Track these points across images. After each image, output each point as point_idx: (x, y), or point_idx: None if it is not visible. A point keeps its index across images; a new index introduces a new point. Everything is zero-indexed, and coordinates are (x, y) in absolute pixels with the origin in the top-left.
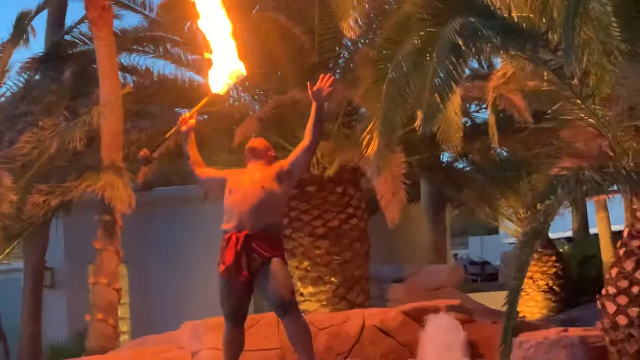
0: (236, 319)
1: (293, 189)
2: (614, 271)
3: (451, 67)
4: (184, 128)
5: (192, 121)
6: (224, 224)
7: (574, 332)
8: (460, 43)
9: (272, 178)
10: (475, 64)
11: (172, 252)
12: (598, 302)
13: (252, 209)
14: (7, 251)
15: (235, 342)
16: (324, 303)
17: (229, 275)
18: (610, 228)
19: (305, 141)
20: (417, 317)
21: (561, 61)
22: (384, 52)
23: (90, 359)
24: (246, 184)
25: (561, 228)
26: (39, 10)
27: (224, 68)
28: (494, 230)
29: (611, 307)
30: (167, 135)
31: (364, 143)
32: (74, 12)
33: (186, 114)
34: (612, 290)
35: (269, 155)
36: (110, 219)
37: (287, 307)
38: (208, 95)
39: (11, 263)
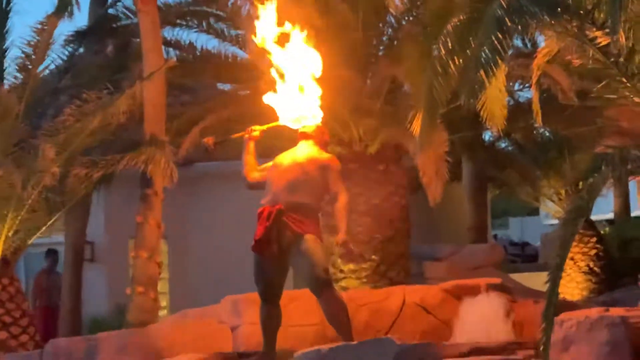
0: (270, 296)
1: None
2: None
3: (497, 43)
4: (246, 137)
5: (257, 134)
6: (262, 199)
7: (616, 312)
8: (506, 19)
9: (315, 162)
10: (519, 42)
11: (212, 227)
12: None
13: (287, 185)
14: (48, 224)
15: (271, 319)
16: (364, 280)
17: (260, 250)
18: None
19: (338, 203)
20: (458, 295)
21: (607, 39)
22: (428, 28)
23: (130, 332)
24: (287, 161)
25: (603, 210)
26: None
27: (306, 107)
28: (535, 212)
29: None
30: (233, 135)
31: (408, 120)
32: None
33: (256, 127)
34: None
35: (321, 137)
36: (152, 193)
37: (322, 286)
38: (279, 122)
39: (52, 236)
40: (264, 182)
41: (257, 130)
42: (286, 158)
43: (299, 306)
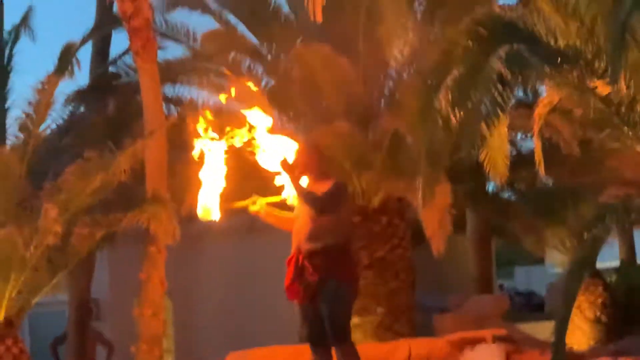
0: (314, 340)
1: (350, 213)
2: None
3: (497, 95)
4: (252, 210)
5: (256, 208)
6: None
7: None
8: (507, 71)
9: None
10: (520, 93)
11: (216, 283)
12: None
13: (305, 232)
14: (52, 283)
15: None
16: (370, 334)
17: (290, 296)
18: None
19: None
20: (464, 347)
21: (608, 88)
22: (429, 81)
23: None
24: (301, 207)
25: (608, 257)
26: (83, 41)
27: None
28: (540, 261)
29: None
30: (237, 205)
31: (410, 173)
32: (118, 43)
33: (258, 198)
34: None
35: (316, 168)
36: (155, 250)
37: (339, 338)
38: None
39: (57, 295)
40: None
41: (257, 201)
42: (301, 206)
43: None
